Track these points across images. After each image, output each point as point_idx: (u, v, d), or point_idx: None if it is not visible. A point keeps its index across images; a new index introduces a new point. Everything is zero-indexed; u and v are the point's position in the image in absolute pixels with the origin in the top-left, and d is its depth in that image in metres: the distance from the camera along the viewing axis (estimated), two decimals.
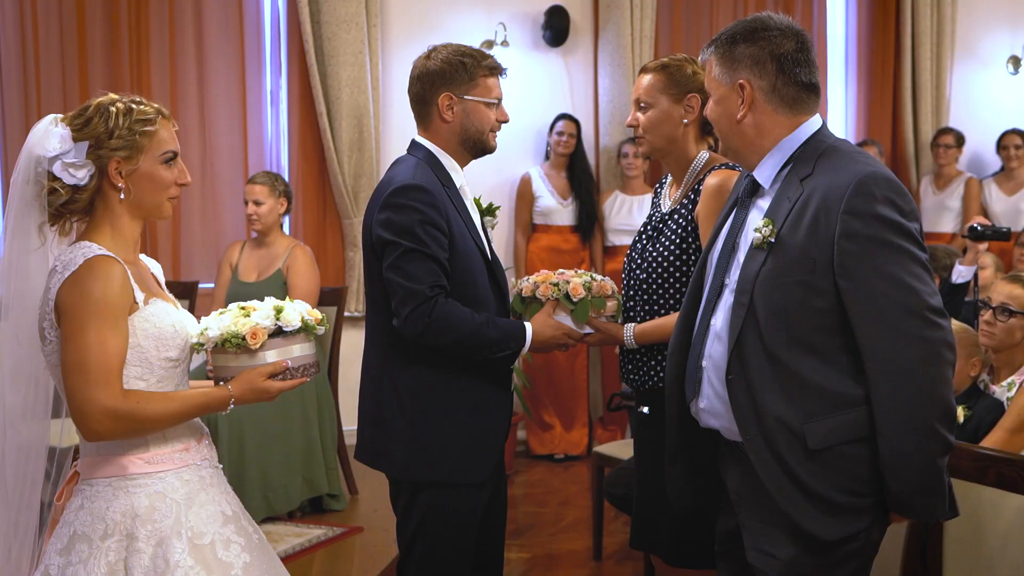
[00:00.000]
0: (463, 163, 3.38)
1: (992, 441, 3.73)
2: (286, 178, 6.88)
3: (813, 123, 2.71)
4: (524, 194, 7.41)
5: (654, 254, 3.36)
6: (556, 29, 7.57)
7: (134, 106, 2.58)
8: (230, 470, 5.28)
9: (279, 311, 2.65)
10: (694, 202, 3.30)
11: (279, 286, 5.62)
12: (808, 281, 2.56)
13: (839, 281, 2.54)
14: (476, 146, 3.34)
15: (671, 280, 3.31)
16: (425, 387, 3.22)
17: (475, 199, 3.45)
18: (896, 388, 2.51)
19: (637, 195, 7.44)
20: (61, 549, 2.51)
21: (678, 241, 3.30)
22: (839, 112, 8.78)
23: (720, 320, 2.70)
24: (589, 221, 7.40)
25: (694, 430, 2.83)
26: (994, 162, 8.73)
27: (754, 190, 2.75)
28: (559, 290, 3.28)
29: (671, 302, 3.30)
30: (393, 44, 7.27)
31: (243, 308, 2.68)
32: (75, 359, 2.44)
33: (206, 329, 2.65)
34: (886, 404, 2.52)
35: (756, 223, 2.64)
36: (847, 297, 2.54)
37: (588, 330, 3.34)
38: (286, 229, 6.27)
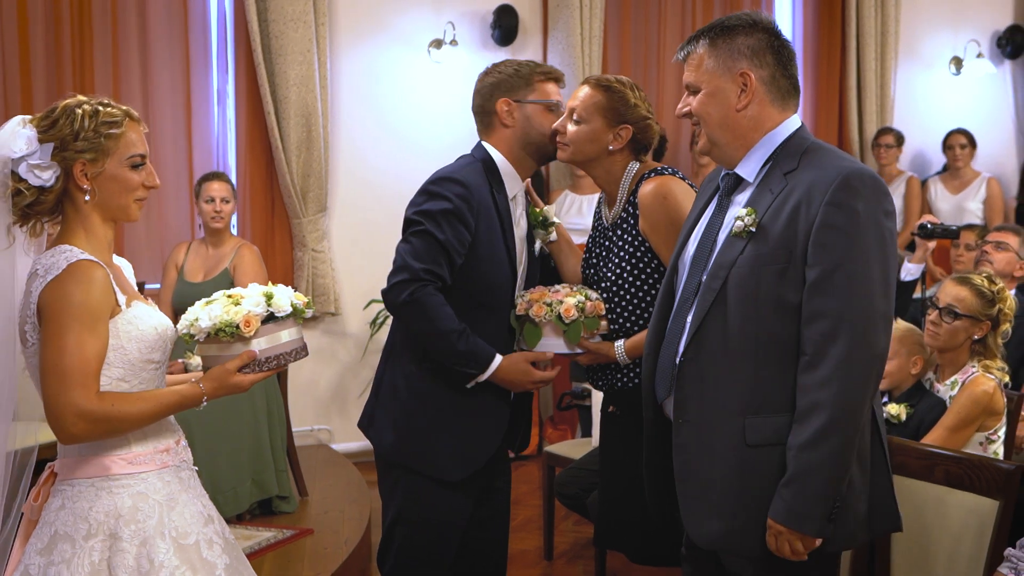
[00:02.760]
0: (527, 171, 3.40)
1: (933, 439, 3.78)
2: (233, 177, 6.83)
3: (795, 120, 2.74)
4: None
5: (609, 275, 3.35)
6: (505, 28, 7.56)
7: (101, 108, 2.57)
8: None
9: (269, 297, 2.64)
10: (634, 216, 3.30)
11: (226, 286, 5.55)
12: (783, 271, 2.57)
13: (806, 271, 2.55)
14: (539, 150, 3.37)
15: (632, 296, 3.31)
16: (421, 373, 3.27)
17: (534, 210, 3.47)
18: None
19: (587, 194, 7.45)
20: (42, 549, 2.50)
21: (628, 259, 3.30)
22: None
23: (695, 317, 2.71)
24: None
25: (669, 434, 2.82)
26: (937, 161, 8.86)
27: (733, 188, 2.76)
28: (552, 311, 3.25)
29: (636, 313, 3.30)
30: (341, 42, 7.22)
31: (230, 296, 2.66)
32: (53, 362, 2.44)
33: (196, 320, 2.62)
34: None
35: (738, 212, 2.65)
36: (808, 287, 2.55)
37: (578, 350, 3.31)
38: (233, 229, 6.21)
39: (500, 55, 7.63)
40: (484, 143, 3.39)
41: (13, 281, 2.56)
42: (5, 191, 2.50)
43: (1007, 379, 4.09)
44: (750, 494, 2.61)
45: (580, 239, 7.01)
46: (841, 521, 2.61)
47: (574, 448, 5.12)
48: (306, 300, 2.71)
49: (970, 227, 6.44)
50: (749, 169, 2.71)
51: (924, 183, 8.49)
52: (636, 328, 3.29)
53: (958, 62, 9.15)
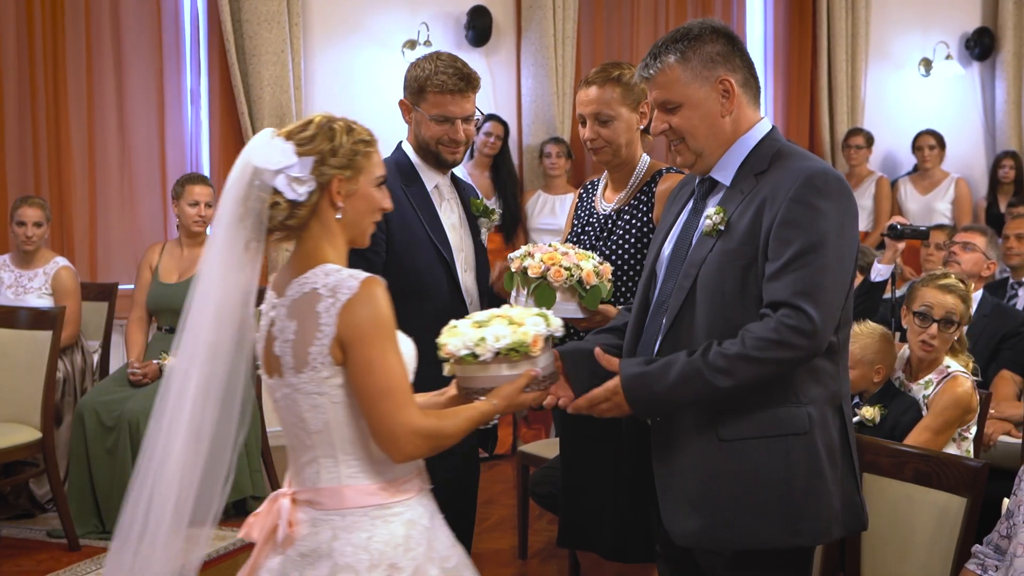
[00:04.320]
0: (436, 166, 3.46)
1: (917, 441, 3.78)
2: (208, 177, 6.82)
3: (766, 123, 2.76)
4: None
5: (606, 252, 3.39)
6: (478, 29, 7.58)
7: (353, 126, 2.53)
8: None
9: (547, 319, 2.62)
10: (648, 204, 3.36)
11: None
12: (748, 267, 2.59)
13: (766, 265, 2.57)
14: (429, 155, 3.43)
15: (629, 271, 3.36)
16: None
17: (474, 200, 3.55)
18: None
19: (559, 194, 7.47)
20: None
21: (634, 243, 3.35)
22: None
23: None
24: (513, 221, 7.42)
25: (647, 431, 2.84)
26: (907, 161, 8.94)
27: (709, 191, 2.78)
28: (572, 276, 3.18)
29: (634, 291, 3.32)
30: (315, 43, 7.22)
31: (503, 316, 2.63)
32: (383, 384, 2.37)
33: (482, 340, 2.58)
34: None
35: (708, 211, 2.68)
36: (765, 279, 2.57)
37: (580, 314, 3.24)
38: (208, 230, 6.19)
39: (474, 56, 7.65)
40: (403, 140, 3.50)
41: (249, 299, 2.49)
42: (260, 204, 2.43)
43: (972, 365, 4.13)
44: (725, 489, 2.62)
45: (552, 238, 7.05)
46: (815, 515, 2.63)
47: (548, 448, 5.13)
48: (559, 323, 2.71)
49: (940, 227, 6.50)
50: (725, 173, 2.73)
51: (894, 184, 8.55)
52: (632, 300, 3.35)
53: (927, 64, 9.24)
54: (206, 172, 6.97)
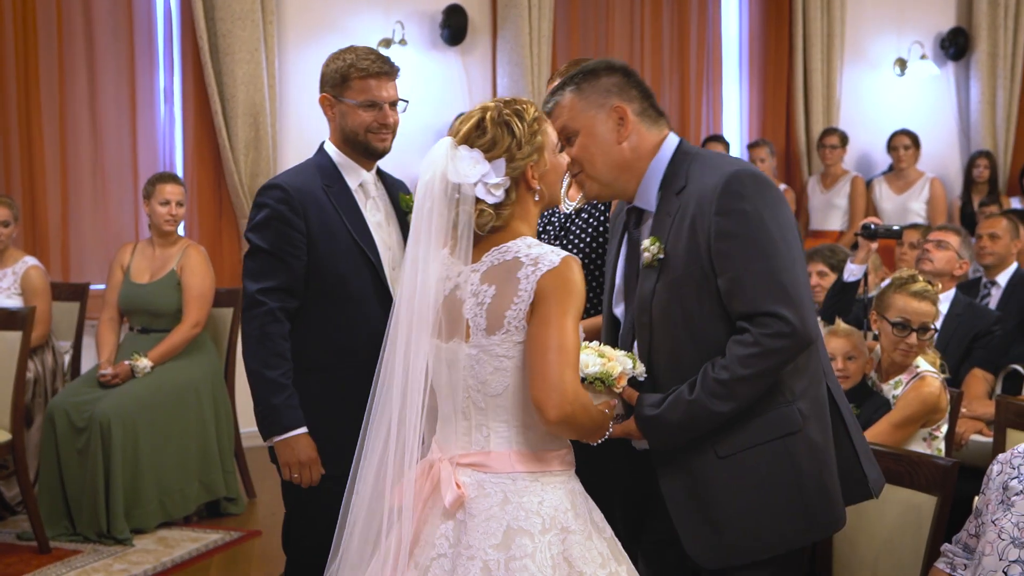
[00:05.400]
0: (361, 163, 3.44)
1: (876, 433, 3.82)
2: (181, 177, 6.78)
3: (673, 138, 2.79)
4: None
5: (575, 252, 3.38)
6: (454, 28, 7.56)
7: (519, 108, 2.57)
8: (124, 474, 5.19)
9: (634, 361, 2.65)
10: (606, 203, 3.35)
11: (173, 287, 5.53)
12: (700, 287, 2.62)
13: (718, 280, 2.60)
14: (359, 147, 3.41)
15: (586, 272, 3.35)
16: (301, 354, 3.31)
17: (404, 196, 3.50)
18: None
19: None
20: (497, 544, 2.46)
21: (590, 235, 3.34)
22: (734, 112, 8.94)
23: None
24: None
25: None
26: (882, 161, 8.97)
27: (639, 220, 2.81)
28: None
29: (597, 291, 3.33)
30: (290, 41, 7.19)
31: (591, 348, 2.65)
32: (557, 339, 2.42)
33: (587, 365, 2.60)
34: None
35: (644, 244, 2.70)
36: (724, 296, 2.60)
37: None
38: (180, 230, 6.16)
39: (450, 55, 7.64)
40: (325, 141, 3.48)
41: (432, 282, 2.55)
42: (469, 219, 2.50)
43: (940, 363, 4.15)
44: (739, 503, 2.65)
45: None
46: (828, 507, 2.69)
47: None
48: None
49: (914, 227, 6.53)
50: (647, 199, 2.76)
51: (869, 183, 8.59)
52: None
53: (902, 64, 9.28)
54: (179, 171, 6.93)
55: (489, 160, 2.51)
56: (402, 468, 2.53)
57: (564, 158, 2.66)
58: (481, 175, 2.49)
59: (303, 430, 3.26)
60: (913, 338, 4.03)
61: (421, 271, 2.53)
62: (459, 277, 2.55)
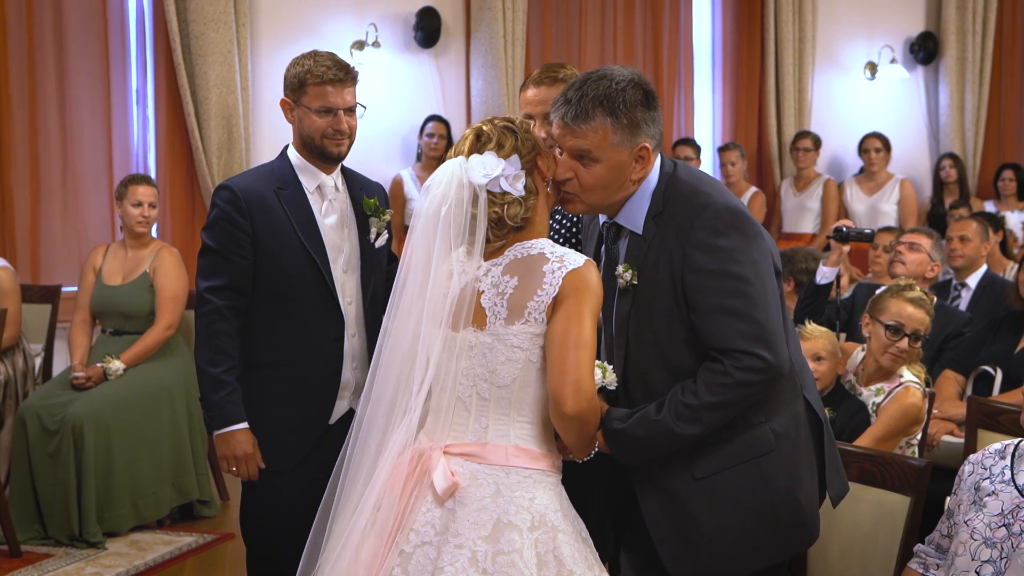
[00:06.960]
0: (319, 166, 3.46)
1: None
2: (154, 178, 6.74)
3: (657, 161, 2.76)
4: (396, 196, 7.36)
5: None
6: (427, 30, 7.56)
7: (508, 118, 2.70)
8: (97, 477, 5.16)
9: (604, 371, 2.71)
10: None
11: (146, 288, 5.49)
12: (670, 314, 2.65)
13: (691, 316, 2.62)
14: (315, 151, 3.44)
15: None
16: (248, 350, 3.38)
17: (367, 200, 3.50)
18: None
19: None
20: (487, 536, 2.49)
21: (563, 236, 3.35)
22: (706, 115, 8.97)
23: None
24: None
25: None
26: (854, 164, 9.04)
27: (617, 236, 2.80)
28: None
29: None
30: (263, 43, 7.16)
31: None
32: (579, 336, 2.52)
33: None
34: None
35: (618, 270, 2.71)
36: (697, 330, 2.62)
37: None
38: (153, 231, 6.13)
39: (423, 57, 7.64)
40: (288, 144, 3.52)
41: (444, 278, 2.63)
42: (484, 218, 2.60)
43: (925, 376, 4.17)
44: (713, 523, 2.67)
45: None
46: (802, 522, 2.72)
47: None
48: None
49: (887, 229, 6.57)
50: (633, 221, 2.73)
51: (840, 185, 8.66)
52: None
53: (873, 67, 9.35)
54: (152, 173, 6.89)
55: (504, 158, 2.61)
56: (395, 456, 2.60)
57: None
58: (502, 167, 2.59)
59: (243, 425, 3.32)
60: (905, 343, 4.02)
61: (434, 269, 2.61)
62: (478, 271, 2.62)
